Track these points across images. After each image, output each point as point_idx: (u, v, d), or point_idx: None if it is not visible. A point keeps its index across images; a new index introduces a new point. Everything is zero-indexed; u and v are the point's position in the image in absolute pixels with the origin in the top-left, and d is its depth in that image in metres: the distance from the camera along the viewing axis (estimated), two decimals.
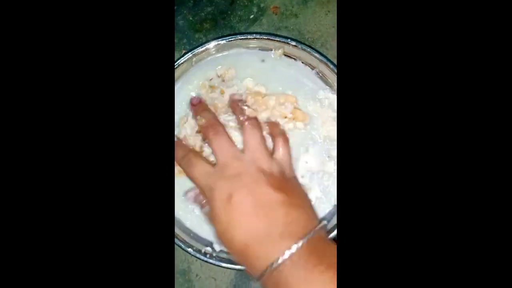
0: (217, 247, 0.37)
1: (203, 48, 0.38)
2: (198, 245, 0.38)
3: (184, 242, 0.37)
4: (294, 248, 0.28)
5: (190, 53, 0.38)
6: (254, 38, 0.38)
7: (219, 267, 0.37)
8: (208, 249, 0.37)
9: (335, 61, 0.38)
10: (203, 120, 0.35)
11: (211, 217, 0.33)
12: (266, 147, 0.34)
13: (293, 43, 0.37)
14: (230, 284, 0.41)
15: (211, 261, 0.37)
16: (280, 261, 0.28)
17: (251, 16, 0.43)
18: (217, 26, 0.43)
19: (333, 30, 0.42)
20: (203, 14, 0.43)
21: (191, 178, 0.34)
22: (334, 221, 0.37)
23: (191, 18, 0.43)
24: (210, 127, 0.35)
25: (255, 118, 0.36)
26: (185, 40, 0.43)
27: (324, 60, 0.37)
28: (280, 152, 0.35)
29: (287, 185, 0.33)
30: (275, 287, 0.29)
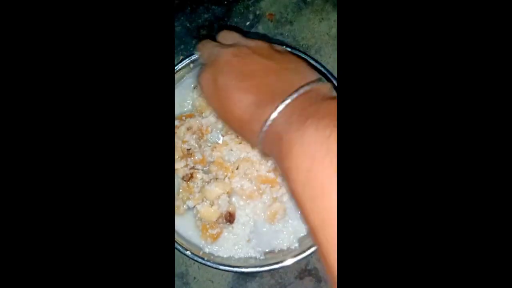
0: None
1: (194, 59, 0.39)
2: (194, 248, 0.38)
3: (182, 245, 0.38)
4: (287, 100, 0.27)
5: (187, 59, 0.39)
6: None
7: (217, 270, 0.38)
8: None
9: (329, 68, 0.39)
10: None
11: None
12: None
13: (289, 50, 0.38)
14: (227, 286, 0.41)
15: (209, 263, 0.37)
16: (272, 117, 0.27)
17: (247, 23, 0.44)
18: (214, 33, 0.44)
19: (327, 37, 0.43)
20: (200, 20, 0.44)
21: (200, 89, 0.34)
22: None
23: (188, 25, 0.44)
24: (200, 44, 0.35)
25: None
26: (182, 46, 0.44)
27: (319, 66, 0.38)
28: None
29: (278, 53, 0.31)
30: (271, 145, 0.27)
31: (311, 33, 0.44)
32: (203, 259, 0.37)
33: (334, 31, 0.43)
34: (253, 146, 0.31)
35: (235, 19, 0.44)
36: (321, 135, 0.23)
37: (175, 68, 0.39)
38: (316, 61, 0.39)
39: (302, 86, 0.27)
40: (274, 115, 0.27)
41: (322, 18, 0.44)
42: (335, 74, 0.38)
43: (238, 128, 0.30)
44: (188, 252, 0.37)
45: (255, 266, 0.37)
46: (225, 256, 0.38)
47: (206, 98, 0.32)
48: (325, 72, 0.38)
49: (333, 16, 0.43)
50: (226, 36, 0.34)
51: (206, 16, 0.44)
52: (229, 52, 0.31)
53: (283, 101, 0.27)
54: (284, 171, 0.26)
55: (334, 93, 0.28)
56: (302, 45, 0.43)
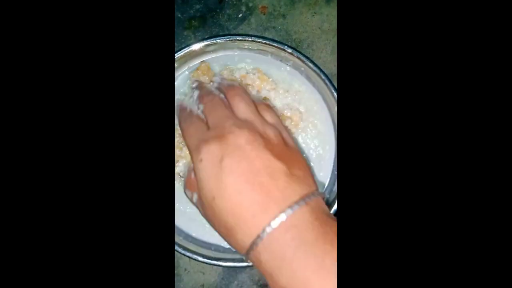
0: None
1: (193, 48, 0.39)
2: (184, 243, 0.38)
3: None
4: (296, 207, 0.25)
5: (187, 48, 0.39)
6: (252, 41, 0.38)
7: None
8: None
9: (320, 62, 0.39)
10: (201, 91, 0.33)
11: (197, 183, 0.28)
12: (258, 112, 0.31)
13: (289, 50, 0.38)
14: (218, 277, 0.42)
15: (200, 258, 0.38)
16: (277, 221, 0.24)
17: (240, 15, 0.43)
18: (205, 24, 0.43)
19: (319, 32, 0.44)
20: (191, 11, 0.43)
21: (186, 139, 0.31)
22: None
23: (179, 15, 0.43)
24: (206, 95, 0.32)
25: (242, 87, 0.33)
26: (174, 41, 0.43)
27: (318, 71, 0.38)
28: (269, 116, 0.31)
29: (288, 152, 0.29)
30: (269, 258, 0.25)
31: (303, 27, 0.44)
32: (193, 253, 0.38)
33: (326, 25, 0.43)
34: (240, 248, 0.27)
35: (228, 11, 0.43)
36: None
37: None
38: (307, 58, 0.39)
39: (307, 196, 0.26)
40: (281, 217, 0.25)
41: (315, 12, 0.44)
42: (325, 70, 0.39)
43: (230, 221, 0.26)
44: (179, 249, 0.37)
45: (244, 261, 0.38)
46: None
47: (199, 171, 0.28)
48: (319, 72, 0.38)
49: (326, 11, 0.44)
50: (239, 105, 0.31)
51: (198, 7, 0.43)
52: (243, 136, 0.27)
53: (292, 206, 0.25)
54: None
55: (328, 210, 0.27)
56: (295, 39, 0.43)
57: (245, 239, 0.26)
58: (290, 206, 0.25)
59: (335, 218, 0.26)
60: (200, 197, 0.28)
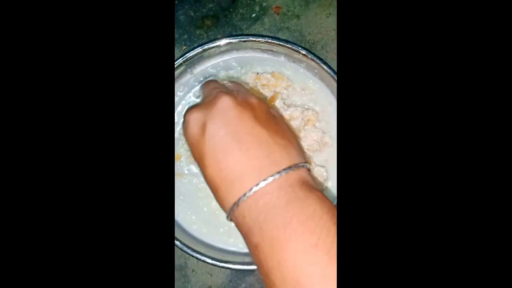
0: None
1: (214, 45, 0.38)
2: (193, 244, 0.38)
3: (181, 241, 0.38)
4: (270, 178, 0.26)
5: (199, 47, 0.38)
6: (265, 42, 0.38)
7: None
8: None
9: (334, 65, 0.39)
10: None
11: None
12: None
13: (303, 52, 0.38)
14: (226, 279, 0.42)
15: (208, 260, 0.37)
16: (253, 190, 0.26)
17: (253, 15, 0.43)
18: (218, 23, 0.43)
19: (334, 33, 0.43)
20: (204, 10, 0.43)
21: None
22: None
23: (192, 14, 0.43)
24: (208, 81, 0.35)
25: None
26: (185, 36, 0.43)
27: (332, 74, 0.38)
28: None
29: (272, 121, 0.29)
30: (246, 222, 0.26)
31: (318, 28, 0.43)
32: (202, 254, 0.37)
33: None
34: (224, 209, 0.29)
35: (241, 10, 0.43)
36: (308, 243, 0.23)
37: (176, 62, 0.38)
38: (320, 59, 0.38)
39: (289, 167, 0.27)
40: (255, 189, 0.26)
41: (330, 14, 0.43)
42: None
43: (216, 183, 0.28)
44: (187, 249, 0.37)
45: (253, 263, 0.38)
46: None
47: (188, 138, 0.30)
48: (333, 74, 0.38)
49: None
50: (232, 85, 0.34)
51: (211, 5, 0.43)
52: (226, 101, 0.28)
53: (266, 178, 0.26)
54: (260, 264, 0.25)
55: (312, 182, 0.28)
56: (308, 40, 0.43)
57: (225, 204, 0.28)
58: (264, 179, 0.26)
59: (315, 188, 0.27)
60: (192, 153, 0.30)
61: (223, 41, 0.38)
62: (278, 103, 0.38)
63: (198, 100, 0.35)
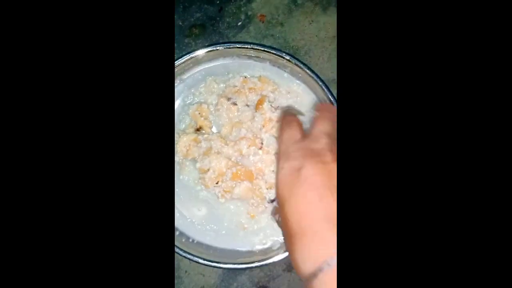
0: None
1: (201, 52, 0.40)
2: (185, 246, 0.39)
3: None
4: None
5: (187, 55, 0.40)
6: (251, 48, 0.40)
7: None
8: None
9: (317, 69, 0.41)
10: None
11: (276, 184, 0.29)
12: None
13: (287, 57, 0.39)
14: (218, 279, 0.43)
15: (200, 261, 0.39)
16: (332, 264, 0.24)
17: (239, 23, 0.45)
18: (205, 32, 0.44)
19: (316, 39, 0.45)
20: (192, 19, 0.45)
21: (279, 142, 0.32)
22: None
23: (180, 23, 0.45)
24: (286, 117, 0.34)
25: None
26: (175, 45, 0.44)
27: (315, 77, 0.39)
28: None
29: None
30: None
31: (301, 35, 0.45)
32: (193, 255, 0.39)
33: (323, 33, 0.45)
34: (299, 271, 0.26)
35: (227, 19, 0.45)
36: None
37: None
38: (304, 64, 0.40)
39: None
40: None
41: (312, 21, 0.45)
42: (322, 77, 0.40)
43: (294, 228, 0.27)
44: (180, 251, 0.38)
45: (245, 263, 0.39)
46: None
47: (280, 176, 0.29)
48: (316, 78, 0.40)
49: (323, 19, 0.45)
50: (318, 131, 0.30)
51: (198, 15, 0.45)
52: (330, 156, 0.28)
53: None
54: None
55: None
56: (292, 46, 0.45)
57: (307, 263, 0.26)
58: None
59: None
60: (276, 193, 0.29)
61: (210, 49, 0.40)
62: (265, 106, 0.40)
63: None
